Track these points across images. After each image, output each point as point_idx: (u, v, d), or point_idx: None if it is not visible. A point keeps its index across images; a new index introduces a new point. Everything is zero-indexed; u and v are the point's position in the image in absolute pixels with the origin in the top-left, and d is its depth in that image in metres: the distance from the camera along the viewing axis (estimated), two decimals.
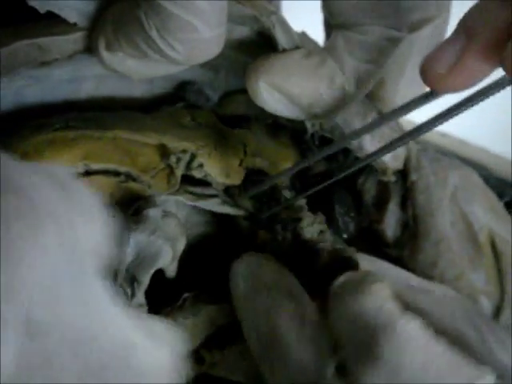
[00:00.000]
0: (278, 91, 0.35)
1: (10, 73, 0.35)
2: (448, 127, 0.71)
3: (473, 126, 0.74)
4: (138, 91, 0.41)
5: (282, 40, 0.35)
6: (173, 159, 0.37)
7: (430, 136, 0.70)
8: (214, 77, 0.41)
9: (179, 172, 0.37)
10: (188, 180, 0.39)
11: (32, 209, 0.20)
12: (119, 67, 0.35)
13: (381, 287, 0.30)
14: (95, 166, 0.36)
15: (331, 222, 0.42)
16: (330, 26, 0.44)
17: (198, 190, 0.39)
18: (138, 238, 0.35)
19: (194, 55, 0.32)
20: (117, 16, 0.33)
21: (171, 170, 0.37)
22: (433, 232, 0.42)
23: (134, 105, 0.41)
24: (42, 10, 0.33)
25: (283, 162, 0.41)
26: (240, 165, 0.40)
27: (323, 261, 0.37)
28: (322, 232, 0.39)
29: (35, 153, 0.35)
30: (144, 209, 0.36)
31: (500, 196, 0.48)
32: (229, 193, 0.40)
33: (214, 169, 0.39)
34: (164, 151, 0.38)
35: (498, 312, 0.42)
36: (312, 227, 0.38)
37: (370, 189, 0.44)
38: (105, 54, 0.34)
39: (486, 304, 0.42)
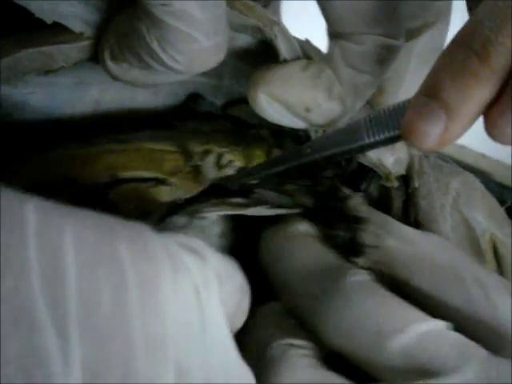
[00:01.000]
0: (278, 102, 0.36)
1: (13, 80, 0.36)
2: None
3: (472, 133, 0.74)
4: (141, 98, 0.41)
5: (283, 51, 0.36)
6: (196, 159, 0.38)
7: None
8: (217, 84, 0.42)
9: (205, 170, 0.38)
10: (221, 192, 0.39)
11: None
12: (124, 77, 0.35)
13: None
14: (122, 175, 0.37)
15: None
16: None
17: (239, 200, 0.39)
18: None
19: (194, 65, 0.33)
20: (120, 28, 0.34)
21: (197, 170, 0.38)
22: None
23: (138, 112, 0.42)
24: (49, 21, 0.33)
25: None
26: (268, 155, 0.41)
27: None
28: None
29: (59, 167, 0.36)
30: (169, 215, 0.37)
31: (499, 200, 0.48)
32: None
33: (245, 161, 0.39)
34: (188, 156, 0.38)
35: None
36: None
37: (372, 194, 0.45)
38: (110, 64, 0.35)
39: None
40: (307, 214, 0.41)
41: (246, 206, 0.39)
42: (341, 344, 0.33)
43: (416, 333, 0.32)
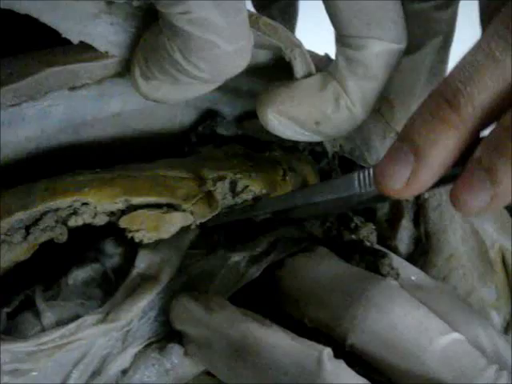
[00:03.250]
0: (287, 118, 0.36)
1: (37, 98, 0.36)
2: None
3: None
4: (161, 112, 0.42)
5: (299, 72, 0.36)
6: (210, 184, 0.38)
7: None
8: (234, 98, 0.42)
9: (218, 195, 0.38)
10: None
11: None
12: (155, 95, 0.35)
13: None
14: (136, 201, 0.36)
15: None
16: None
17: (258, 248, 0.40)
18: None
19: (218, 71, 0.33)
20: (146, 45, 0.34)
21: (211, 196, 0.38)
22: (444, 248, 0.43)
23: (157, 127, 0.42)
24: (76, 41, 0.34)
25: (309, 177, 0.42)
26: (283, 179, 0.41)
27: None
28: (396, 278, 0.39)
29: (76, 190, 0.36)
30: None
31: (510, 210, 0.49)
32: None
33: (261, 186, 0.39)
34: (201, 182, 0.38)
35: (507, 326, 0.43)
36: (391, 270, 0.39)
37: (383, 206, 0.45)
38: (141, 82, 0.35)
39: (496, 318, 0.43)
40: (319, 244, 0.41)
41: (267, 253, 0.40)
42: (372, 350, 0.34)
43: (452, 339, 0.34)
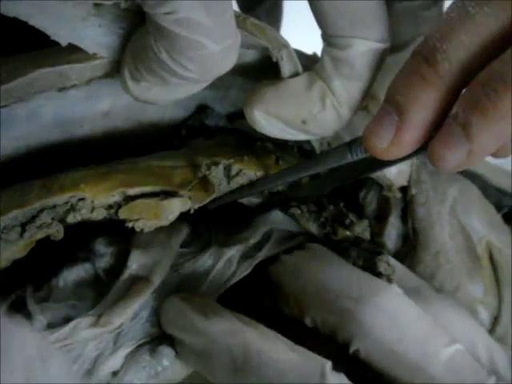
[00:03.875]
0: (274, 117, 0.36)
1: (27, 99, 0.36)
2: None
3: None
4: (150, 111, 0.42)
5: (286, 73, 0.37)
6: (204, 168, 0.38)
7: None
8: (225, 96, 0.42)
9: (213, 179, 0.38)
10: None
11: None
12: (145, 97, 0.35)
13: None
14: (132, 192, 0.37)
15: None
16: None
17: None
18: None
19: (207, 71, 0.33)
20: (135, 47, 0.34)
21: (206, 180, 0.38)
22: (432, 244, 0.43)
23: (147, 125, 0.42)
24: (64, 43, 0.34)
25: None
26: (277, 163, 0.41)
27: None
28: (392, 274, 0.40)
29: (72, 186, 0.36)
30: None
31: (497, 205, 0.49)
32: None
33: (255, 170, 0.40)
34: (196, 169, 0.39)
35: (495, 321, 0.44)
36: (388, 266, 0.40)
37: (371, 202, 0.45)
38: (131, 84, 0.35)
39: (484, 314, 0.43)
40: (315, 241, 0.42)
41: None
42: (377, 358, 0.35)
43: (454, 350, 0.35)
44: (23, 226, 0.35)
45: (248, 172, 0.39)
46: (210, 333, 0.35)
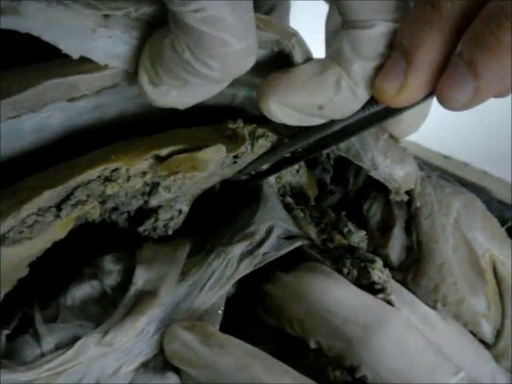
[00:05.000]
0: (289, 106, 0.36)
1: (37, 109, 0.36)
2: (451, 150, 0.73)
3: (474, 150, 0.75)
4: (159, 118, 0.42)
5: (299, 60, 0.37)
6: (231, 124, 0.39)
7: (433, 158, 0.71)
8: (232, 100, 0.42)
9: (243, 131, 0.39)
10: None
11: None
12: (164, 101, 0.35)
13: None
14: (164, 152, 0.37)
15: None
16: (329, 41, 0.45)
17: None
18: None
19: (229, 69, 0.33)
20: (152, 50, 0.34)
21: (235, 134, 0.39)
22: (436, 257, 0.43)
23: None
24: (75, 56, 0.34)
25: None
26: None
27: None
28: (386, 281, 0.40)
29: (102, 159, 0.36)
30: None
31: (501, 218, 0.49)
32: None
33: (277, 135, 0.40)
34: (222, 128, 0.40)
35: (498, 335, 0.44)
36: (382, 273, 0.40)
37: (375, 214, 0.45)
38: (149, 88, 0.35)
39: (487, 327, 0.43)
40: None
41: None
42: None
43: (461, 378, 0.36)
44: (58, 206, 0.35)
45: (272, 134, 0.40)
46: (217, 367, 0.34)
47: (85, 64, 0.36)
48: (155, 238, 0.41)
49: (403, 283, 0.44)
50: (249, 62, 0.34)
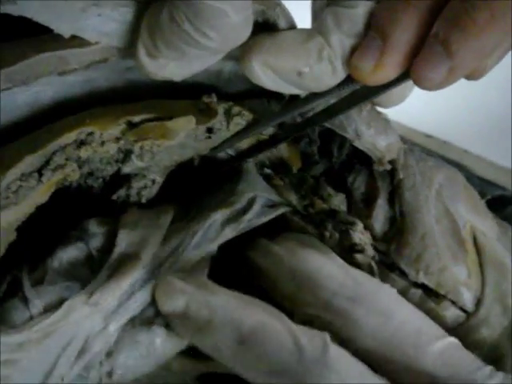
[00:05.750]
0: (270, 68, 0.36)
1: (28, 82, 0.37)
2: (432, 130, 0.74)
3: (456, 129, 0.76)
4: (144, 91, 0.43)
5: (283, 27, 0.38)
6: (204, 97, 0.40)
7: (415, 137, 0.72)
8: (217, 79, 0.43)
9: (216, 106, 0.40)
10: None
11: None
12: (162, 73, 0.36)
13: None
14: (137, 119, 0.38)
15: None
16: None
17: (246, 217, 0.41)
18: None
19: (227, 40, 0.34)
20: (150, 21, 0.35)
21: (209, 108, 0.40)
22: (419, 227, 0.44)
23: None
24: (67, 36, 0.35)
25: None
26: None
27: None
28: (366, 243, 0.41)
29: (78, 123, 0.37)
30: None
31: (481, 193, 0.50)
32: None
33: (253, 114, 0.41)
34: (196, 103, 0.40)
35: (478, 303, 0.45)
36: (362, 235, 0.41)
37: (359, 186, 0.46)
38: (146, 60, 0.35)
39: (467, 295, 0.44)
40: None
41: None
42: (378, 350, 0.36)
43: (448, 342, 0.37)
44: (39, 171, 0.36)
45: (247, 113, 0.41)
46: (215, 305, 0.35)
47: (76, 39, 0.36)
48: (142, 202, 0.42)
49: (387, 253, 0.45)
50: (246, 34, 0.34)
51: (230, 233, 0.40)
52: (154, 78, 0.36)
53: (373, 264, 0.40)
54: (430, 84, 0.33)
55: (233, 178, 0.44)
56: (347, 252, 0.40)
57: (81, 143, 0.37)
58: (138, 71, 0.36)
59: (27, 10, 0.33)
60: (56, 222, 0.41)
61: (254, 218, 0.41)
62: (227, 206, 0.41)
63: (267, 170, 0.45)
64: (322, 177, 0.45)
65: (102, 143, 0.38)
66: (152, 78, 0.36)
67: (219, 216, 0.40)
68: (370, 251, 0.40)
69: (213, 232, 0.40)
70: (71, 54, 0.37)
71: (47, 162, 0.37)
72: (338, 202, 0.43)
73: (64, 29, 0.35)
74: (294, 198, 0.43)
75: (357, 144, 0.43)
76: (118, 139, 0.38)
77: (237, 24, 0.33)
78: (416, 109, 0.71)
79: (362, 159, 0.45)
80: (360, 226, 0.41)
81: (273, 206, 0.42)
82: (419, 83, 0.33)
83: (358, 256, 0.40)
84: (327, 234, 0.41)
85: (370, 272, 0.41)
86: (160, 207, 0.41)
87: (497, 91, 0.81)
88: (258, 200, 0.42)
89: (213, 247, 0.40)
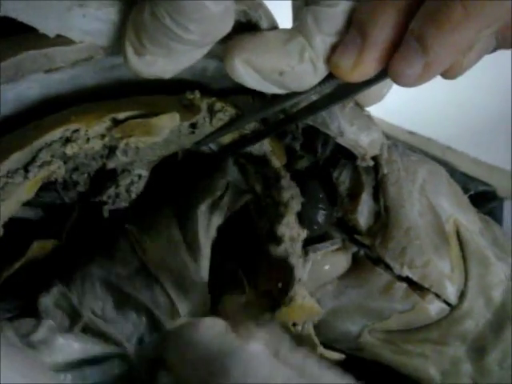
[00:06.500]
0: (252, 67, 0.36)
1: (15, 79, 0.37)
2: (415, 126, 0.74)
3: (438, 126, 0.77)
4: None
5: (265, 28, 0.38)
6: (188, 94, 0.41)
7: (398, 133, 0.73)
8: (202, 77, 0.43)
9: (199, 102, 0.41)
10: None
11: None
12: (150, 70, 0.36)
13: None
14: (122, 116, 0.39)
15: (301, 214, 0.44)
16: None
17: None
18: None
19: (208, 32, 0.34)
20: (135, 21, 0.35)
21: (192, 104, 0.41)
22: (403, 221, 0.45)
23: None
24: (52, 35, 0.35)
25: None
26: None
27: (272, 261, 0.42)
28: (292, 238, 0.42)
29: (63, 120, 0.38)
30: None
31: (464, 189, 0.51)
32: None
33: (236, 110, 0.42)
34: (181, 99, 0.41)
35: (461, 296, 0.45)
36: (288, 229, 0.42)
37: (344, 181, 0.46)
38: (134, 59, 0.35)
39: (451, 289, 0.45)
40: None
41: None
42: None
43: None
44: (25, 168, 0.37)
45: (230, 109, 0.41)
46: None
47: (61, 37, 0.36)
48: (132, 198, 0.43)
49: (372, 247, 0.45)
50: (227, 25, 0.34)
51: (216, 221, 0.42)
52: (145, 77, 0.37)
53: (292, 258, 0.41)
54: (406, 80, 0.33)
55: (211, 168, 0.45)
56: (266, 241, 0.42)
57: (66, 140, 0.38)
58: (128, 70, 0.36)
59: (11, 10, 0.33)
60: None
61: (229, 202, 0.43)
62: (210, 195, 0.43)
63: (242, 160, 0.45)
64: (315, 179, 0.46)
65: (88, 140, 0.38)
66: (141, 77, 0.37)
67: (205, 207, 0.42)
68: (290, 247, 0.41)
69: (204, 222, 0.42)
70: (57, 51, 0.37)
71: (33, 159, 0.37)
72: (289, 195, 0.43)
73: (49, 29, 0.35)
74: (259, 188, 0.44)
75: (339, 141, 0.43)
76: (103, 136, 0.39)
77: (216, 16, 0.33)
78: (399, 106, 0.72)
79: (346, 154, 0.46)
80: (288, 219, 0.42)
81: (241, 192, 0.44)
82: (396, 79, 0.34)
83: (272, 246, 0.41)
84: (261, 224, 0.43)
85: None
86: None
87: (480, 88, 0.81)
88: (231, 186, 0.44)
89: (212, 234, 0.42)
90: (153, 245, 0.43)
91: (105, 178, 0.42)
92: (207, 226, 0.42)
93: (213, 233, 0.42)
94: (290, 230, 0.41)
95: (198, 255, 0.43)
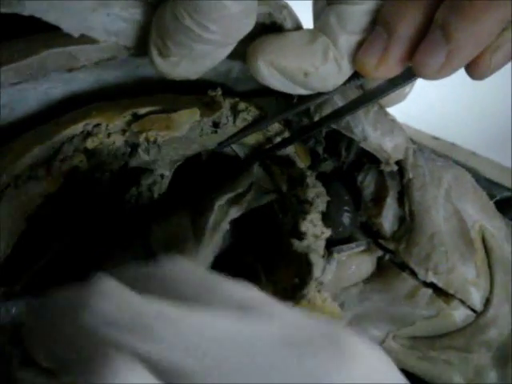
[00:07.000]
0: (277, 68, 0.37)
1: (39, 78, 0.37)
2: (440, 132, 0.74)
3: (463, 131, 0.76)
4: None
5: (290, 29, 0.38)
6: (210, 92, 0.41)
7: (422, 139, 0.72)
8: (226, 78, 0.43)
9: (221, 98, 0.41)
10: None
11: None
12: (175, 72, 0.36)
13: None
14: (142, 111, 0.39)
15: (326, 215, 0.44)
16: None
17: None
18: None
19: (229, 31, 0.34)
20: (159, 23, 0.35)
21: (213, 101, 0.41)
22: (427, 227, 0.44)
23: None
24: (76, 35, 0.35)
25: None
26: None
27: (293, 257, 0.41)
28: (316, 236, 0.41)
29: (84, 115, 0.38)
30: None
31: (489, 195, 0.50)
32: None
33: (259, 110, 0.42)
34: (202, 97, 0.41)
35: (487, 303, 0.45)
36: (312, 226, 0.41)
37: (368, 185, 0.46)
38: (159, 61, 0.36)
39: (475, 295, 0.45)
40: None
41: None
42: None
43: None
44: (48, 162, 0.37)
45: (254, 109, 0.42)
46: None
47: (85, 36, 0.36)
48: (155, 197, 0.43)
49: (396, 252, 0.45)
50: (248, 24, 0.35)
51: (236, 212, 0.42)
52: (172, 78, 0.37)
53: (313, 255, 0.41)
54: (429, 70, 0.33)
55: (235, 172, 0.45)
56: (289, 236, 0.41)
57: (87, 134, 0.38)
58: (155, 72, 0.37)
59: (36, 10, 0.33)
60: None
61: (252, 200, 0.43)
62: (231, 190, 0.43)
63: (267, 161, 0.45)
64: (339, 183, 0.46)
65: (109, 135, 0.38)
66: (168, 78, 0.37)
67: (224, 201, 0.42)
68: (314, 244, 0.41)
69: (221, 214, 0.42)
70: (81, 50, 0.38)
71: (55, 153, 0.37)
72: (314, 193, 0.43)
73: (73, 28, 0.35)
74: (285, 188, 0.44)
75: (363, 145, 0.43)
76: (124, 131, 0.39)
77: (236, 15, 0.33)
78: (423, 111, 0.72)
79: (371, 158, 0.45)
80: (312, 216, 0.41)
81: (266, 192, 0.44)
82: (418, 70, 0.33)
83: (295, 242, 0.41)
84: (286, 220, 0.43)
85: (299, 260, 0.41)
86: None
87: (505, 94, 0.81)
88: (254, 185, 0.44)
89: (223, 227, 0.42)
90: (159, 228, 0.43)
91: (127, 177, 0.42)
92: (221, 216, 0.42)
93: (225, 225, 0.42)
94: (314, 227, 0.41)
95: (201, 241, 0.42)
